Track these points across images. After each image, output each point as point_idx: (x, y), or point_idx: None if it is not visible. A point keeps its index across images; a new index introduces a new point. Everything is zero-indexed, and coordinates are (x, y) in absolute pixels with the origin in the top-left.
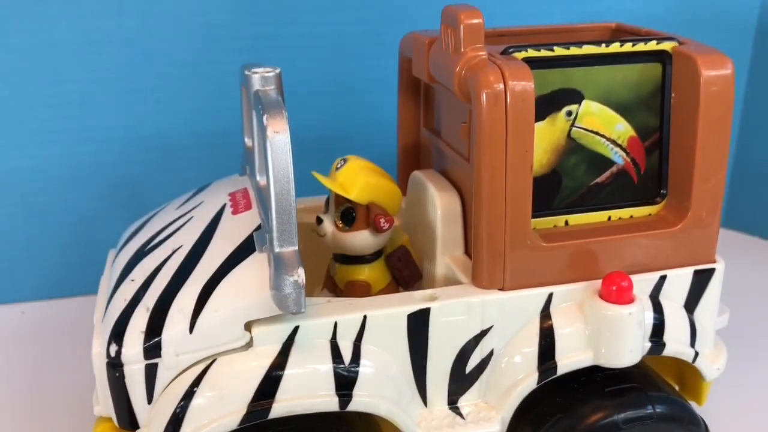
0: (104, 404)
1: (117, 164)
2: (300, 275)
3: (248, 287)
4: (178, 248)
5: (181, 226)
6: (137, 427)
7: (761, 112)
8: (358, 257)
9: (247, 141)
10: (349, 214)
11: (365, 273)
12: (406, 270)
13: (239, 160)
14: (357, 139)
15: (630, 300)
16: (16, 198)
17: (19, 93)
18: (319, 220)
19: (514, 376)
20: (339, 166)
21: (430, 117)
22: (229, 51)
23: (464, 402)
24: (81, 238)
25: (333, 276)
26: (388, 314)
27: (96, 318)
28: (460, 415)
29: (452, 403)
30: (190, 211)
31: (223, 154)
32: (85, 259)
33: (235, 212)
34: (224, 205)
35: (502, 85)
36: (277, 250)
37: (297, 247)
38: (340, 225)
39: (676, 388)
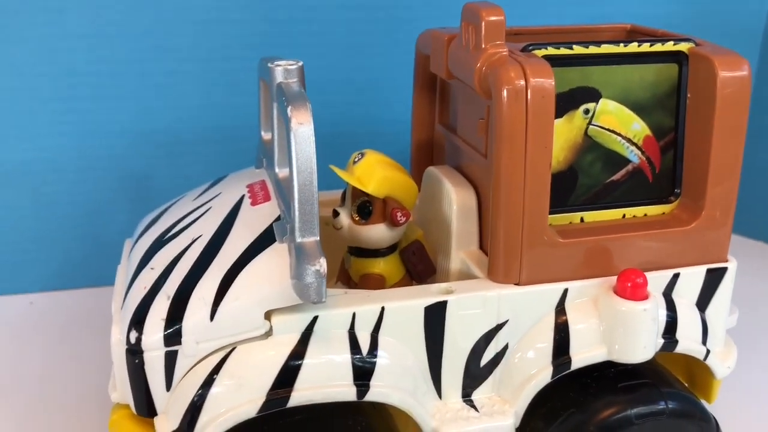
0: (122, 391)
1: (127, 158)
2: (322, 265)
3: (269, 277)
4: (198, 237)
5: (200, 216)
6: (155, 414)
7: None
8: (373, 251)
9: (264, 134)
10: (365, 207)
11: (380, 266)
12: (420, 264)
13: (249, 156)
14: (367, 136)
15: (644, 296)
16: (27, 189)
17: (31, 85)
18: (336, 213)
19: (528, 371)
20: (356, 159)
21: (446, 113)
22: (240, 47)
23: (478, 395)
24: (90, 231)
25: (348, 269)
26: (406, 306)
27: (114, 306)
28: (474, 407)
29: (466, 396)
30: (208, 201)
31: (232, 150)
32: (93, 252)
33: (254, 203)
34: (243, 197)
35: (523, 82)
36: (298, 240)
37: (318, 238)
38: (357, 218)
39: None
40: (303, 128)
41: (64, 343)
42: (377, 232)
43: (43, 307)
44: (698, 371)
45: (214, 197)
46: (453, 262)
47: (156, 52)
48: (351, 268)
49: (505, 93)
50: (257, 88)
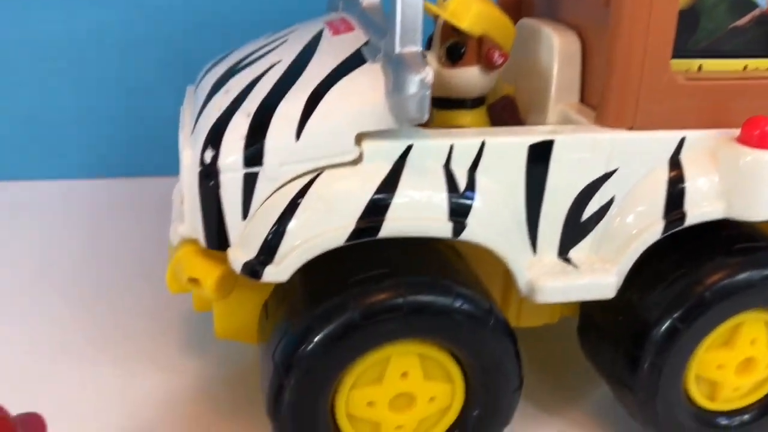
0: (191, 223)
1: (175, 36)
2: (428, 74)
3: (361, 95)
4: (277, 62)
5: (277, 47)
6: (227, 246)
7: None
8: (460, 101)
9: None
10: (457, 49)
11: (467, 119)
12: (510, 120)
13: None
14: None
15: None
16: (69, 66)
17: None
18: (422, 56)
19: (635, 226)
20: None
21: None
22: None
23: (576, 254)
24: (132, 114)
25: (429, 124)
26: (508, 143)
27: (183, 134)
28: (572, 264)
29: (562, 254)
30: (282, 36)
31: None
32: (134, 139)
33: (335, 34)
34: (322, 30)
35: None
36: (398, 50)
37: (421, 49)
38: (446, 61)
39: None
40: None
41: (102, 229)
42: (469, 76)
43: (82, 194)
44: None
45: (289, 34)
46: (551, 116)
47: None
48: (434, 121)
49: None
50: None
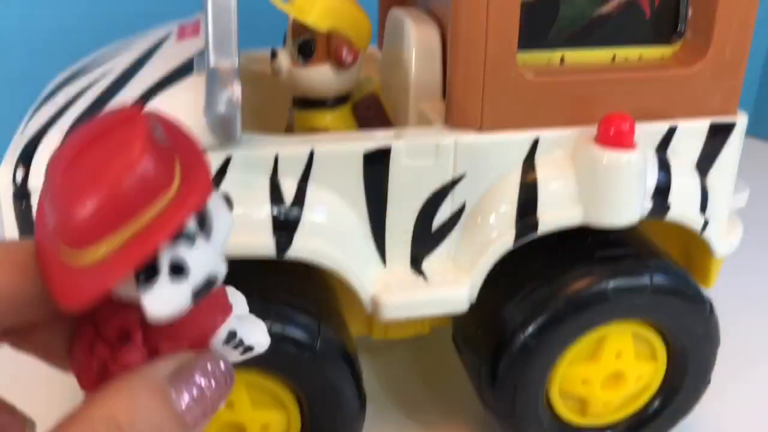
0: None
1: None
2: (235, 92)
3: (179, 108)
4: (108, 72)
5: (120, 53)
6: None
7: None
8: (319, 101)
9: None
10: (307, 46)
11: (326, 120)
12: (376, 120)
13: None
14: None
15: (630, 145)
16: None
17: None
18: (273, 54)
19: (488, 234)
20: None
21: None
22: None
23: (429, 263)
24: None
25: (292, 125)
26: (340, 151)
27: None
28: (424, 276)
29: (415, 264)
30: (132, 41)
31: None
32: None
33: (180, 38)
34: (170, 33)
35: None
36: (212, 64)
37: (236, 63)
38: (298, 59)
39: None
40: None
41: None
42: (320, 75)
43: None
44: (696, 251)
45: (140, 37)
46: (411, 115)
47: None
48: (295, 123)
49: None
50: None
